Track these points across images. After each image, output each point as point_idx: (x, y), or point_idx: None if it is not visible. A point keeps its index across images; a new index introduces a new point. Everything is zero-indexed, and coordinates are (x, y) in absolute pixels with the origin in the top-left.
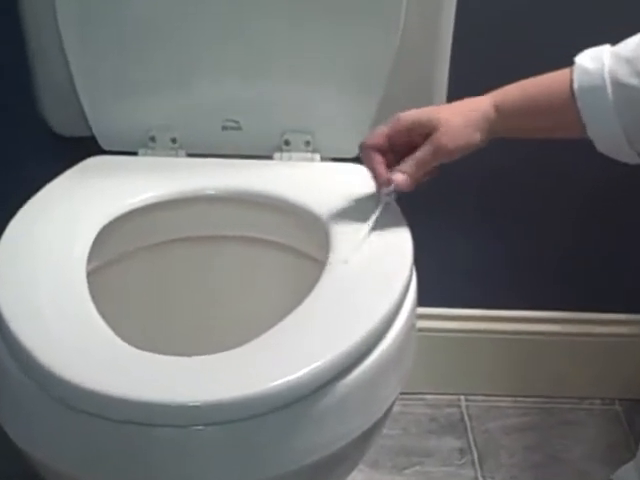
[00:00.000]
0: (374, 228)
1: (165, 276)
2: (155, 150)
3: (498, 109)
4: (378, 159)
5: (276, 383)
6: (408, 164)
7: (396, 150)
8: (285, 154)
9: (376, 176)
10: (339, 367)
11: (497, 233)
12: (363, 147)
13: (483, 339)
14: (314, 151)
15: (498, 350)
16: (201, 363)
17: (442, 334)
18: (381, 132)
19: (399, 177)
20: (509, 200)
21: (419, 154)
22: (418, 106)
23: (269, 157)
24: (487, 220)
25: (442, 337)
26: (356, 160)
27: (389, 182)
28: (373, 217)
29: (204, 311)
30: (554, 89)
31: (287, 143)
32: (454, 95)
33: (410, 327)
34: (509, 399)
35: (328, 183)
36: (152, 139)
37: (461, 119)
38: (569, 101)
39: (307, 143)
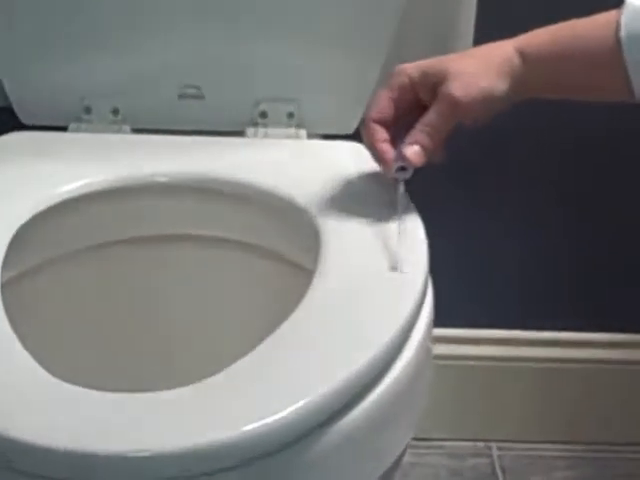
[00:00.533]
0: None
1: (104, 288)
2: (91, 124)
3: (523, 54)
4: (381, 135)
5: (251, 427)
6: (418, 131)
7: (400, 118)
8: (261, 129)
9: (381, 154)
10: (333, 405)
11: (539, 238)
12: (367, 122)
13: (519, 369)
14: (299, 126)
15: (539, 383)
16: (153, 402)
17: (466, 362)
18: (385, 97)
19: (410, 150)
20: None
21: (430, 116)
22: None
23: (240, 133)
24: (526, 224)
25: (466, 366)
26: (353, 137)
27: (397, 159)
28: (395, 213)
29: (155, 333)
30: (594, 36)
31: (264, 115)
32: None
33: (424, 354)
34: (553, 447)
35: (317, 167)
36: (87, 110)
37: (477, 65)
38: (613, 51)
39: (290, 115)
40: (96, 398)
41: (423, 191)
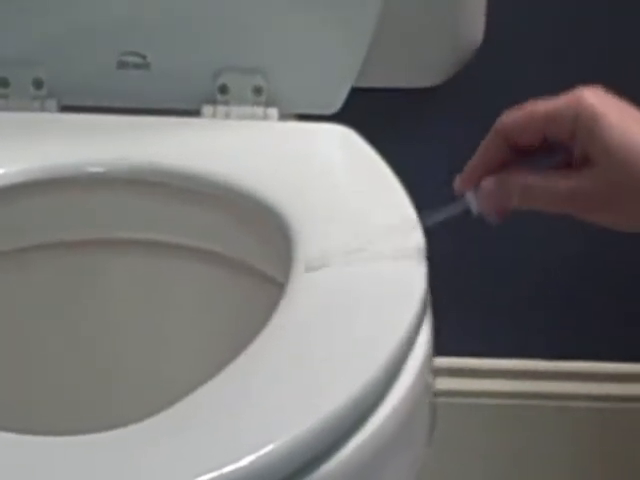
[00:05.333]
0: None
1: (21, 304)
2: (8, 100)
3: None
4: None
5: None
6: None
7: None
8: (221, 108)
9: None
10: (306, 453)
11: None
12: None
13: (551, 408)
14: (268, 103)
15: (576, 425)
16: (83, 446)
17: (477, 400)
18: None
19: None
20: None
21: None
22: (440, 26)
23: (195, 113)
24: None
25: (479, 405)
26: (338, 119)
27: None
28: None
29: (87, 360)
30: None
31: (224, 90)
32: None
33: (422, 389)
34: None
35: (291, 156)
36: (3, 82)
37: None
38: None
39: (257, 90)
40: (22, 441)
41: None
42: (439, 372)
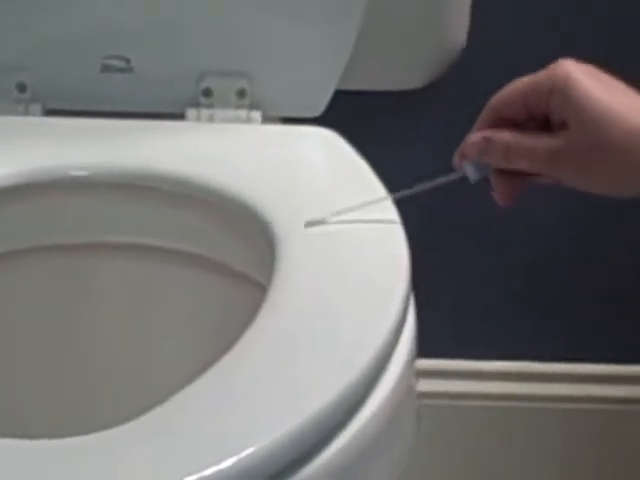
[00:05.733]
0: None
1: (14, 306)
2: None
3: None
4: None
5: None
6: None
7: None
8: (205, 111)
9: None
10: (289, 455)
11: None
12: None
13: (538, 410)
14: (252, 106)
15: (565, 428)
16: (68, 448)
17: (464, 402)
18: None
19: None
20: None
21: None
22: (423, 29)
23: (179, 116)
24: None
25: (466, 407)
26: (321, 122)
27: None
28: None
29: (77, 363)
30: None
31: (208, 93)
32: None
33: (404, 391)
34: None
35: (275, 159)
36: None
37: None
38: None
39: (240, 93)
40: (8, 445)
41: None
42: (422, 374)
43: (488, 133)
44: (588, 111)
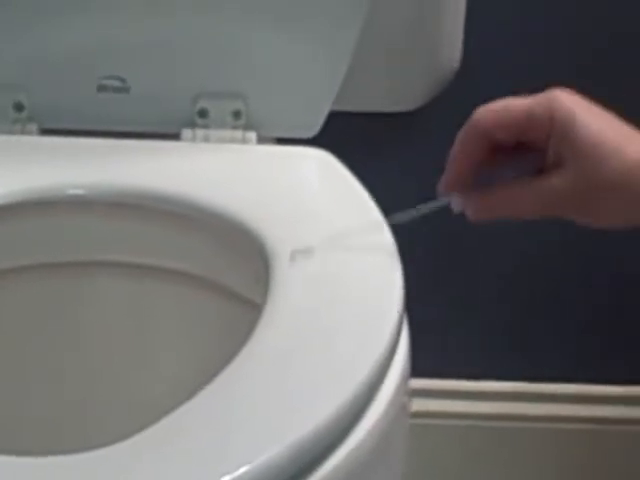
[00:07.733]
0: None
1: (3, 324)
2: None
3: None
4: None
5: None
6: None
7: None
8: (200, 131)
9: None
10: (283, 473)
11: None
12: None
13: (530, 430)
14: (247, 127)
15: (557, 447)
16: (65, 466)
17: (460, 422)
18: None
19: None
20: None
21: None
22: (418, 52)
23: (174, 136)
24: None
25: (457, 427)
26: (316, 142)
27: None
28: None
29: (63, 384)
30: None
31: (204, 114)
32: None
33: (398, 410)
34: None
35: (270, 179)
36: None
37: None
38: None
39: (236, 114)
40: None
41: None
42: (415, 393)
43: (486, 196)
44: (591, 148)
